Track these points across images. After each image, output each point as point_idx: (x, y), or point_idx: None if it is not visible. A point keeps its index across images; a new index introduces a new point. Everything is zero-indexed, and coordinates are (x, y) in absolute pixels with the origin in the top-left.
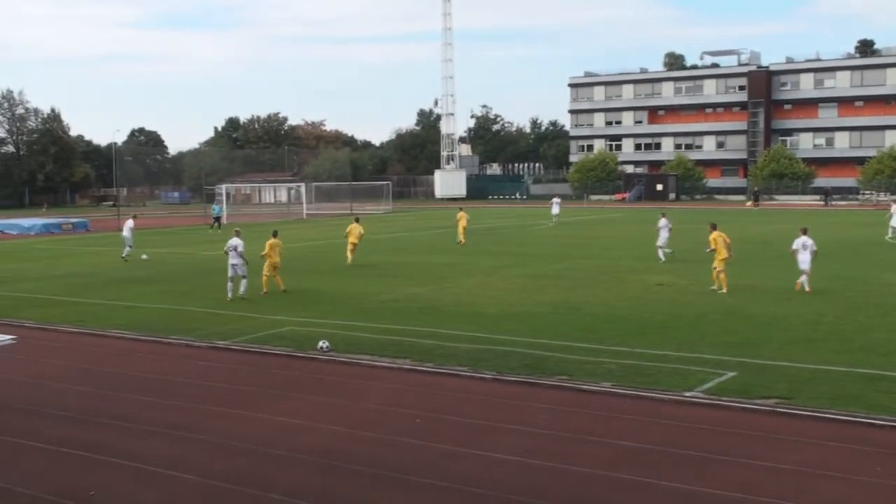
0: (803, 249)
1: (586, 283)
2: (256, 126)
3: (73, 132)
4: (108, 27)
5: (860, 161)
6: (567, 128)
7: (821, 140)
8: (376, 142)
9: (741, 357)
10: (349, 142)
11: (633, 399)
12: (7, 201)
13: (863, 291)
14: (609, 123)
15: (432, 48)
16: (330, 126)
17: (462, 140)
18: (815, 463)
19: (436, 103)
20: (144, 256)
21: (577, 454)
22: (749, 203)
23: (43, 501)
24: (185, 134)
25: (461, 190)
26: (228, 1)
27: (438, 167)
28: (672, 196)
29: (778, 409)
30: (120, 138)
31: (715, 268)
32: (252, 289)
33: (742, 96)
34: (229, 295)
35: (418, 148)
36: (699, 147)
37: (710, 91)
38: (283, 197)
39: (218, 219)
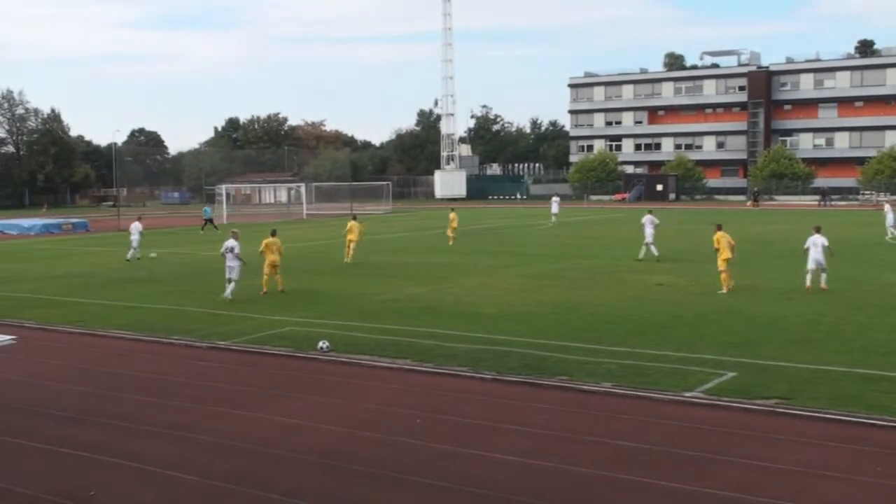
0: (814, 247)
1: (586, 284)
2: (256, 126)
3: (73, 132)
4: (108, 27)
5: (860, 161)
6: (567, 128)
7: (821, 140)
8: (376, 142)
9: (741, 357)
10: (349, 142)
11: (632, 399)
12: (7, 201)
13: (863, 291)
14: (609, 124)
15: (432, 48)
16: (330, 126)
17: (462, 140)
18: (815, 463)
19: (436, 103)
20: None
21: (577, 454)
22: (749, 203)
23: (43, 501)
24: (185, 134)
25: (461, 190)
26: (228, 1)
27: (438, 167)
28: (672, 196)
29: (778, 410)
30: (120, 138)
31: (720, 268)
32: (252, 289)
33: (742, 96)
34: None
35: (418, 148)
36: (699, 147)
37: (710, 91)
38: (283, 197)
39: (208, 220)
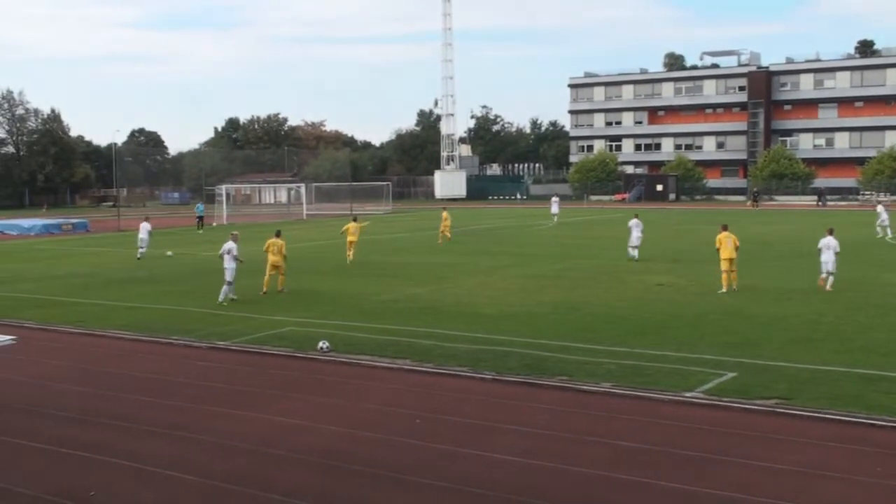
0: (826, 249)
1: (586, 284)
2: (256, 126)
3: (73, 132)
4: (108, 27)
5: (860, 161)
6: (567, 128)
7: (821, 140)
8: (376, 142)
9: (741, 357)
10: (349, 142)
11: (632, 399)
12: (7, 202)
13: (863, 291)
14: (609, 124)
15: (432, 48)
16: (330, 126)
17: (462, 140)
18: (815, 463)
19: (436, 104)
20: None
21: (577, 454)
22: (749, 203)
23: (43, 501)
24: (185, 134)
25: (461, 190)
26: (228, 1)
27: (438, 168)
28: (672, 196)
29: (778, 410)
30: (120, 139)
31: (722, 268)
32: (252, 289)
33: (742, 97)
34: (232, 297)
35: (418, 148)
36: (699, 147)
37: (710, 91)
38: (283, 197)
39: (201, 218)
